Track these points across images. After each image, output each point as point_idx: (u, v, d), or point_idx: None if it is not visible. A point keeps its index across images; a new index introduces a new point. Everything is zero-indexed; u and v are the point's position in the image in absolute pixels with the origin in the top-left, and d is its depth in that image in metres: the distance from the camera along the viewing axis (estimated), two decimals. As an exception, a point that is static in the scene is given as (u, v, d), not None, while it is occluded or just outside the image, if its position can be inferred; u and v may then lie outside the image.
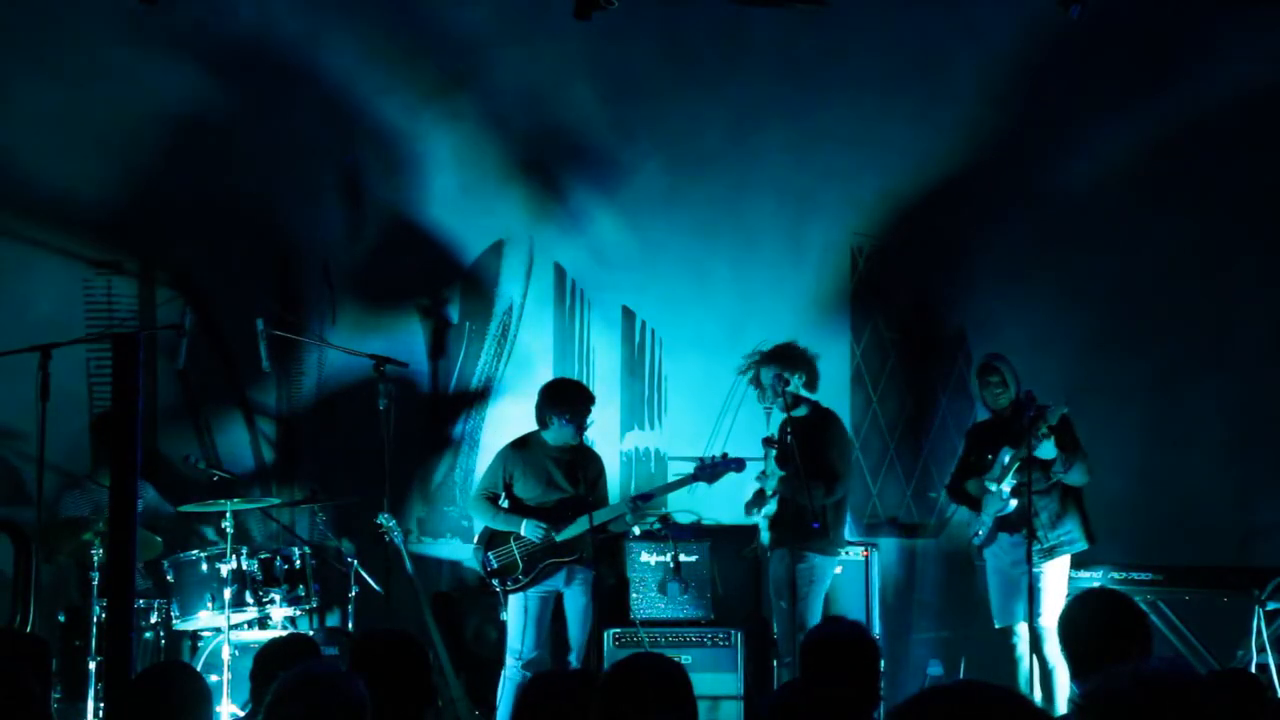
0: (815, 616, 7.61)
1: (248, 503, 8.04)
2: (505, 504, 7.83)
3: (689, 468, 7.98)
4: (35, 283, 8.56)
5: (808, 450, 7.60)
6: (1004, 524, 7.69)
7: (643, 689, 3.99)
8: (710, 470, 7.85)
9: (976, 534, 7.85)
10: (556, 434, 7.78)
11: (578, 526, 7.68)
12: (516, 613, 7.74)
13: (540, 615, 7.73)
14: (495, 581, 7.77)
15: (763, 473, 7.87)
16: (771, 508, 7.82)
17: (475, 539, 7.95)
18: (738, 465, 7.86)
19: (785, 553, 7.70)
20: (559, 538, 7.69)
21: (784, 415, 7.74)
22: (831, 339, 9.15)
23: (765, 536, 7.89)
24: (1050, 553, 7.59)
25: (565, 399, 7.77)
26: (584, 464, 7.84)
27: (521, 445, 7.94)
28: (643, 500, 7.87)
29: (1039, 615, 7.52)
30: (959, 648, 8.87)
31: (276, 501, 8.48)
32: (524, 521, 7.71)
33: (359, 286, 9.01)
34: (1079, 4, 8.58)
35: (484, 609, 8.45)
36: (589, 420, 7.81)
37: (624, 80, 9.15)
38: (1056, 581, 7.62)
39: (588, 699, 3.98)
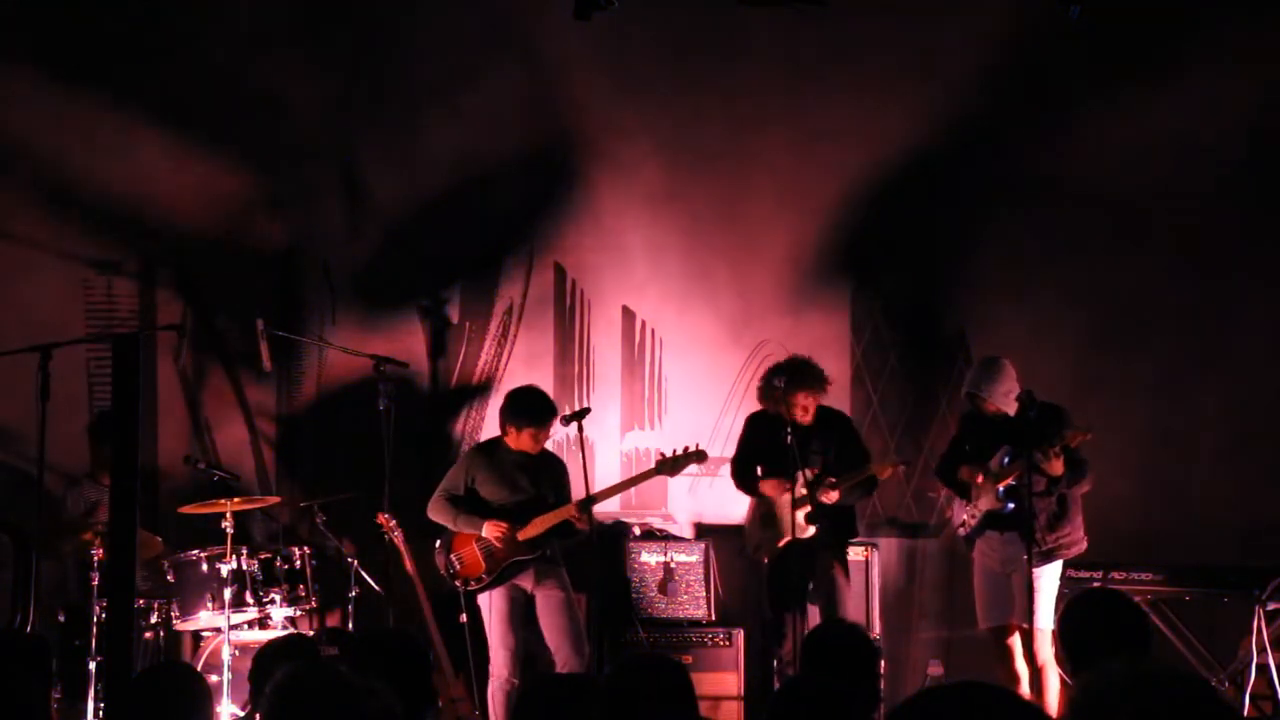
0: None
1: (248, 503, 8.04)
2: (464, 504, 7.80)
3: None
4: (35, 283, 8.55)
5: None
6: (995, 520, 7.64)
7: (643, 689, 4.00)
8: (672, 463, 7.84)
9: (964, 524, 7.79)
10: (516, 441, 7.77)
11: (538, 526, 7.67)
12: (486, 615, 7.73)
13: (511, 615, 7.69)
14: (461, 582, 7.76)
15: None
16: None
17: (438, 543, 7.88)
18: (699, 457, 7.85)
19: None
20: (520, 536, 7.66)
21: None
22: (831, 339, 9.15)
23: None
24: (1048, 556, 7.54)
25: (521, 410, 7.76)
26: (548, 468, 7.86)
27: (486, 449, 7.97)
28: (589, 502, 7.72)
29: (1033, 617, 7.48)
30: (959, 648, 8.86)
31: (276, 501, 8.48)
32: (484, 523, 7.69)
33: (359, 286, 9.00)
34: (1079, 5, 8.56)
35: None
36: (547, 432, 7.77)
37: (624, 80, 9.14)
38: (1050, 584, 7.56)
39: (587, 701, 3.98)
